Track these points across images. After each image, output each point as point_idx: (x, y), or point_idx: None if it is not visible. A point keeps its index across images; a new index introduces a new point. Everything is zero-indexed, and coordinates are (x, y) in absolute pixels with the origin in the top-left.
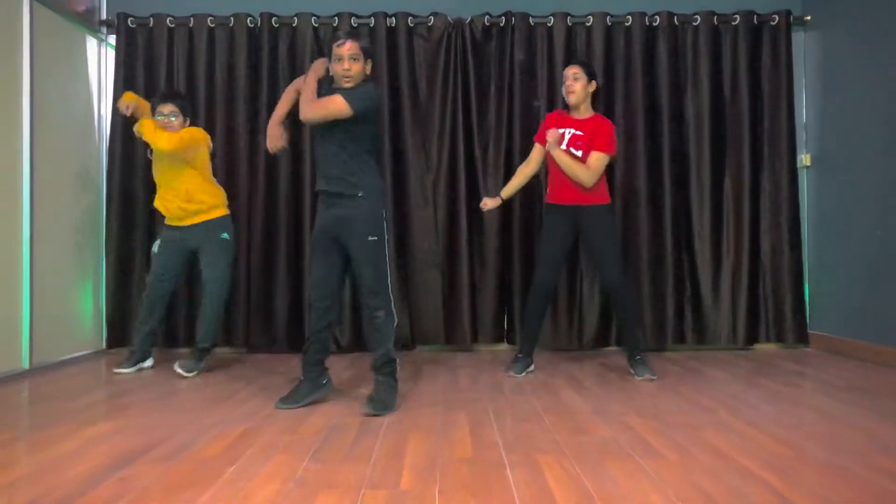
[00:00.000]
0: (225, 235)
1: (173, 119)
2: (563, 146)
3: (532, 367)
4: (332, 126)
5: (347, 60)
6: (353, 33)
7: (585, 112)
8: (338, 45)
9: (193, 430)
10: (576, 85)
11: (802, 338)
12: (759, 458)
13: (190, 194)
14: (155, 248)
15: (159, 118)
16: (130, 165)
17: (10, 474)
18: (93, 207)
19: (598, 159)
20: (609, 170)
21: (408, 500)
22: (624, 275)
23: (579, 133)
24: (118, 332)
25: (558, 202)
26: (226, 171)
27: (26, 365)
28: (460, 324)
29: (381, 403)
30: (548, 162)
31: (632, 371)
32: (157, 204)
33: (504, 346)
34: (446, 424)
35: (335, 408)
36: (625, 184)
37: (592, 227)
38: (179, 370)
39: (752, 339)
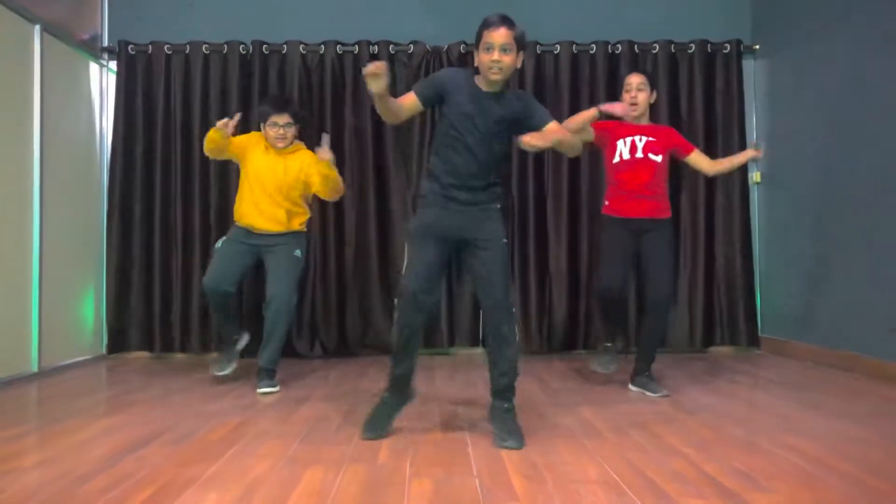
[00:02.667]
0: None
1: (290, 130)
2: (640, 154)
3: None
4: None
5: (498, 51)
6: (508, 20)
7: (650, 121)
8: (489, 30)
9: (196, 421)
10: (640, 96)
11: (754, 341)
12: (685, 438)
13: None
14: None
15: (272, 129)
16: (130, 181)
17: (37, 456)
18: (95, 220)
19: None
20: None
21: (384, 470)
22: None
23: (653, 139)
24: (118, 339)
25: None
26: (218, 187)
27: (35, 368)
28: (438, 327)
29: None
30: (614, 172)
31: (645, 390)
32: None
33: (479, 350)
34: (420, 415)
35: (319, 404)
36: (591, 199)
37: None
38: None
39: (708, 342)
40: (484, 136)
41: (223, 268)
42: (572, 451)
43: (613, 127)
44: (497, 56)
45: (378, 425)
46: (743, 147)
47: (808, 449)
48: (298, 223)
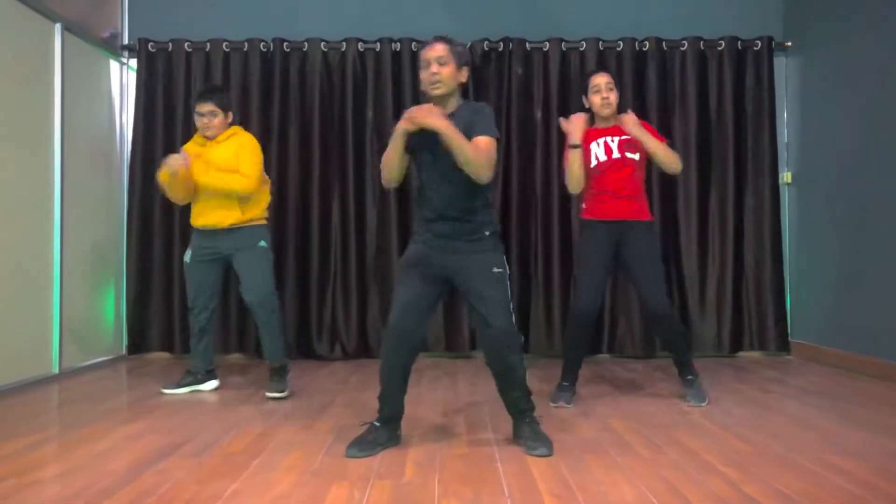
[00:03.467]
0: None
1: (214, 119)
2: (617, 153)
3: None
4: None
5: (435, 64)
6: (444, 37)
7: (614, 119)
8: (424, 50)
9: (217, 429)
10: (611, 95)
11: (784, 346)
12: (723, 455)
13: None
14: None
15: (198, 119)
16: (150, 181)
17: (57, 468)
18: (115, 220)
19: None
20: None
21: (411, 489)
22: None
23: (626, 137)
24: (138, 340)
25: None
26: None
27: (56, 370)
28: (459, 332)
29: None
30: (591, 177)
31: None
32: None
33: None
34: (446, 426)
35: (342, 411)
36: None
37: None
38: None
39: (736, 347)
40: (445, 161)
41: (196, 286)
42: (605, 468)
43: (588, 133)
44: (435, 69)
45: (365, 448)
46: (774, 147)
47: (853, 469)
48: (252, 214)
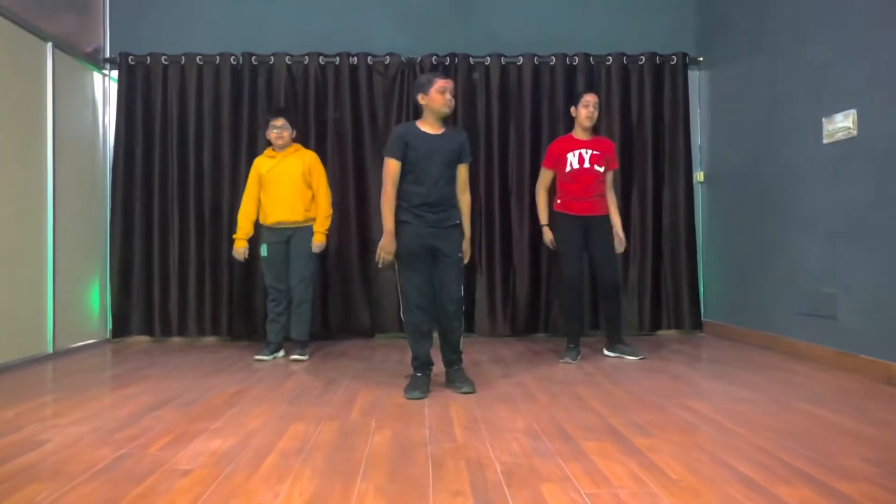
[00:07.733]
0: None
1: (285, 132)
2: (587, 164)
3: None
4: None
5: (449, 93)
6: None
7: (592, 133)
8: (443, 80)
9: (200, 389)
10: (595, 112)
11: (697, 325)
12: (604, 401)
13: None
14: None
15: (274, 131)
16: (131, 180)
17: (72, 416)
18: (100, 216)
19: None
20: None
21: (354, 424)
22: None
23: (597, 153)
24: (121, 324)
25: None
26: (212, 186)
27: (50, 350)
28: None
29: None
30: (566, 177)
31: (624, 355)
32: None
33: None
34: (389, 385)
35: (305, 377)
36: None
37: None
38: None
39: (656, 325)
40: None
41: (278, 270)
42: (508, 410)
43: (563, 140)
44: (451, 96)
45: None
46: (688, 150)
47: (700, 408)
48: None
